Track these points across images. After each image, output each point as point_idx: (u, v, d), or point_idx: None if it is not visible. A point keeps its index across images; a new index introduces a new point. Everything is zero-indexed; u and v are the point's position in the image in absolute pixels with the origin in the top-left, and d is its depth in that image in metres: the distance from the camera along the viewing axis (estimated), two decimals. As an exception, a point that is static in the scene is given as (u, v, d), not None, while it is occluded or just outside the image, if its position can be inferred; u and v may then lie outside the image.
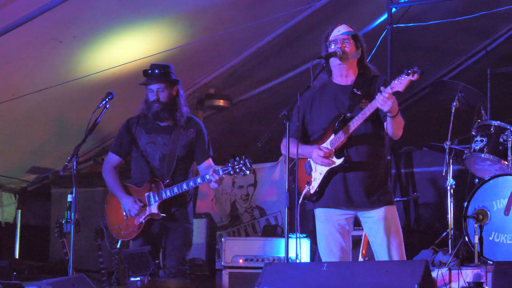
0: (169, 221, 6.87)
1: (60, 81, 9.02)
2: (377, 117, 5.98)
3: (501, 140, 7.69)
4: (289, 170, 6.31)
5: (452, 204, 7.87)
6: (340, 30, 6.15)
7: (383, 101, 5.70)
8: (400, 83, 5.65)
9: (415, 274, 5.32)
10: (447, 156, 7.92)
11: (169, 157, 6.90)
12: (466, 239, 7.45)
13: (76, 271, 6.91)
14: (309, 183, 6.12)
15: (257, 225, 10.20)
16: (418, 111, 11.18)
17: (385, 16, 9.24)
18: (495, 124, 7.76)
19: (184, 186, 6.80)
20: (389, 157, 6.36)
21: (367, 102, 5.94)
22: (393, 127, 5.89)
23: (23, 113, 9.55)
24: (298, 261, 7.27)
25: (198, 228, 9.09)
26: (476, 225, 7.31)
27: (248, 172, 6.62)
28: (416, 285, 5.25)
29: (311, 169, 6.15)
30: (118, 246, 7.04)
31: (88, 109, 7.17)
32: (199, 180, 6.77)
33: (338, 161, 5.97)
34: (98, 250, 8.07)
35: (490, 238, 7.35)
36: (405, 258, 6.10)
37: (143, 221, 6.86)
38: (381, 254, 6.06)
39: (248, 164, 6.59)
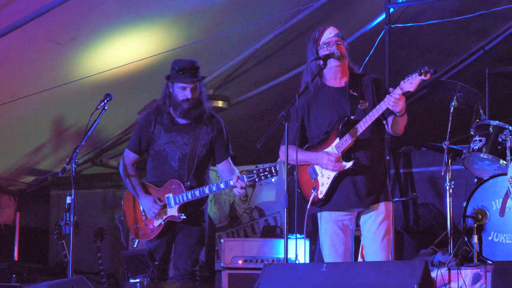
0: (186, 222, 6.79)
1: (59, 83, 9.02)
2: (379, 117, 6.01)
3: (500, 139, 7.69)
4: (288, 171, 6.32)
5: (451, 204, 7.87)
6: (331, 32, 6.15)
7: (395, 102, 5.78)
8: (410, 83, 5.73)
9: (415, 274, 5.32)
10: (446, 156, 7.92)
11: (189, 157, 6.79)
12: (465, 239, 7.45)
13: (75, 273, 6.91)
14: (315, 188, 6.14)
15: (256, 226, 10.19)
16: (416, 111, 11.18)
17: (383, 16, 9.24)
18: (494, 123, 7.76)
19: (207, 191, 6.71)
20: (387, 157, 6.42)
21: (365, 103, 5.99)
22: (399, 125, 6.00)
23: (21, 115, 9.54)
24: (297, 261, 7.28)
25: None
26: (475, 225, 7.32)
27: (273, 179, 6.58)
28: (415, 285, 5.25)
29: (316, 174, 6.16)
30: (135, 246, 6.99)
31: (86, 110, 7.17)
32: (222, 186, 6.69)
33: (348, 164, 6.01)
34: (98, 252, 8.08)
35: (489, 238, 7.35)
36: (391, 255, 6.18)
37: (163, 223, 6.79)
38: (370, 248, 6.14)
39: (273, 171, 6.53)
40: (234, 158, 6.96)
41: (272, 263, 8.16)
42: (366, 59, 8.96)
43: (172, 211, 6.76)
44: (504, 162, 7.59)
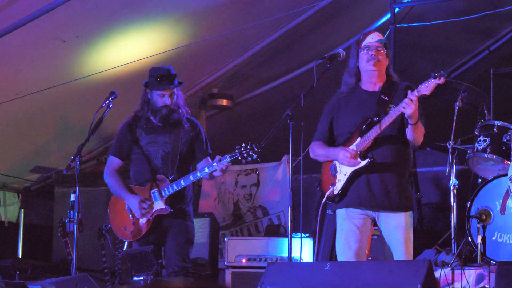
0: (173, 217, 6.85)
1: (63, 81, 9.03)
2: (403, 122, 6.11)
3: (504, 140, 7.68)
4: (292, 170, 6.33)
5: (455, 204, 7.85)
6: (374, 38, 6.24)
7: (407, 104, 5.86)
8: (427, 87, 5.85)
9: (418, 274, 5.32)
10: (450, 156, 7.91)
11: (171, 154, 6.90)
12: (469, 239, 7.45)
13: (79, 270, 6.92)
14: (333, 184, 6.24)
15: (260, 224, 10.19)
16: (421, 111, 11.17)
17: (388, 15, 9.24)
18: (498, 124, 7.76)
19: (191, 177, 6.79)
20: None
21: (391, 107, 6.08)
22: (414, 134, 6.07)
23: (26, 113, 9.55)
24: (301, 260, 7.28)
25: (201, 228, 9.09)
26: (479, 225, 7.31)
27: (255, 156, 6.63)
28: (419, 285, 5.25)
29: (336, 171, 6.26)
30: (124, 249, 7.01)
31: (91, 108, 7.18)
32: (206, 170, 6.76)
33: (363, 162, 6.09)
34: (101, 250, 8.08)
35: (493, 238, 7.35)
36: None
37: (151, 218, 6.84)
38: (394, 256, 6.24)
39: (255, 148, 6.60)
40: (213, 157, 7.01)
41: (276, 262, 8.17)
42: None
43: (159, 204, 6.83)
44: (509, 162, 7.59)
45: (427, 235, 8.85)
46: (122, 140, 7.05)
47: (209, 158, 7.00)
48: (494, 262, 7.05)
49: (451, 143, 7.96)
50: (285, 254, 8.18)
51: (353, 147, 6.15)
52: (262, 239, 8.81)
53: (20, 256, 10.99)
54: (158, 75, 6.91)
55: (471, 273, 6.93)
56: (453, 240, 7.73)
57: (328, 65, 6.27)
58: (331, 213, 8.40)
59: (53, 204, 10.89)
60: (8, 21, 7.91)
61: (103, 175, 7.13)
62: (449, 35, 10.29)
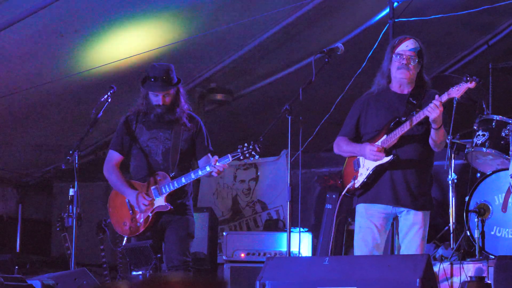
0: (173, 213, 6.84)
1: (62, 75, 9.02)
2: (429, 125, 6.19)
3: (503, 134, 7.69)
4: (291, 164, 6.33)
5: (454, 198, 7.86)
6: (408, 46, 6.34)
7: (432, 108, 6.01)
8: (457, 90, 6.06)
9: (417, 268, 5.33)
10: (449, 151, 7.90)
11: (172, 151, 6.87)
12: (468, 233, 7.45)
13: (78, 265, 6.93)
14: (354, 177, 6.34)
15: (259, 219, 10.19)
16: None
17: (387, 10, 9.21)
18: (497, 118, 7.76)
19: (192, 175, 6.78)
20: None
21: (419, 111, 6.20)
22: (435, 138, 6.18)
23: (24, 107, 9.54)
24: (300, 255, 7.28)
25: (200, 222, 9.08)
26: (477, 220, 7.32)
27: (257, 156, 6.64)
28: (418, 279, 5.26)
29: (359, 166, 6.36)
30: (123, 244, 7.00)
31: (90, 103, 7.18)
32: (207, 169, 6.73)
33: (387, 158, 6.21)
34: (100, 244, 8.08)
35: (492, 233, 7.35)
36: None
37: (151, 214, 6.82)
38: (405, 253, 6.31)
39: (257, 148, 6.60)
40: (213, 155, 7.00)
41: (274, 256, 8.17)
42: (370, 53, 8.94)
43: (159, 201, 6.81)
44: (507, 157, 7.59)
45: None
46: (123, 135, 7.00)
47: (209, 155, 6.98)
48: (493, 257, 7.06)
49: (450, 137, 7.95)
50: (284, 248, 8.18)
51: (378, 143, 6.25)
52: (261, 234, 8.81)
53: (19, 251, 10.99)
54: (153, 76, 6.84)
55: (469, 268, 6.94)
56: (451, 235, 7.73)
57: (326, 60, 6.32)
58: (330, 207, 8.41)
59: (51, 198, 10.91)
60: (6, 15, 7.89)
61: (103, 170, 7.10)
62: (448, 30, 10.28)
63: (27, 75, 8.97)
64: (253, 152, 6.60)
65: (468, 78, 5.97)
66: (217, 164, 6.65)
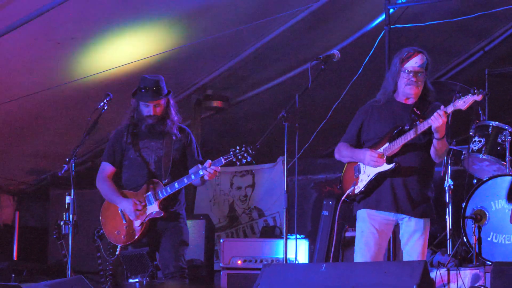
0: (167, 220, 6.86)
1: (59, 83, 9.02)
2: (432, 135, 6.22)
3: (499, 140, 7.69)
4: (287, 171, 6.33)
5: (450, 204, 7.87)
6: (417, 62, 6.34)
7: (436, 117, 6.04)
8: (464, 102, 6.05)
9: (414, 274, 5.33)
10: (445, 157, 7.91)
11: (164, 159, 6.91)
12: (465, 239, 7.44)
13: (74, 272, 6.91)
14: (354, 183, 6.38)
15: (256, 226, 10.20)
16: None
17: (383, 16, 9.22)
18: (493, 124, 7.77)
19: (185, 180, 6.80)
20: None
21: (423, 121, 6.23)
22: (437, 149, 6.21)
23: (21, 115, 9.54)
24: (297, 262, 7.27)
25: (197, 229, 9.09)
26: (474, 226, 7.32)
27: (250, 158, 6.66)
28: (414, 286, 5.26)
29: (359, 172, 6.39)
30: (117, 253, 6.99)
31: (86, 110, 7.17)
32: (200, 172, 6.76)
33: (389, 166, 6.24)
34: (97, 252, 8.07)
35: (489, 239, 7.34)
36: None
37: (145, 221, 6.84)
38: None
39: (250, 150, 6.63)
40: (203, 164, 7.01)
41: (271, 263, 8.16)
42: (366, 60, 8.95)
43: (153, 207, 6.83)
44: (504, 163, 7.60)
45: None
46: (115, 147, 7.05)
47: (199, 166, 7.00)
48: (490, 263, 7.05)
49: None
50: (281, 255, 8.20)
51: (380, 150, 6.29)
52: (257, 241, 8.81)
53: (15, 259, 10.98)
54: (143, 86, 6.92)
55: (466, 274, 6.93)
56: (448, 241, 7.74)
57: (323, 66, 6.35)
58: (327, 214, 8.42)
59: (48, 206, 10.89)
60: (3, 23, 7.90)
61: (96, 181, 7.11)
62: (444, 36, 10.30)
63: (23, 82, 8.96)
64: (245, 154, 6.64)
65: (475, 91, 5.99)
66: (211, 167, 6.68)
